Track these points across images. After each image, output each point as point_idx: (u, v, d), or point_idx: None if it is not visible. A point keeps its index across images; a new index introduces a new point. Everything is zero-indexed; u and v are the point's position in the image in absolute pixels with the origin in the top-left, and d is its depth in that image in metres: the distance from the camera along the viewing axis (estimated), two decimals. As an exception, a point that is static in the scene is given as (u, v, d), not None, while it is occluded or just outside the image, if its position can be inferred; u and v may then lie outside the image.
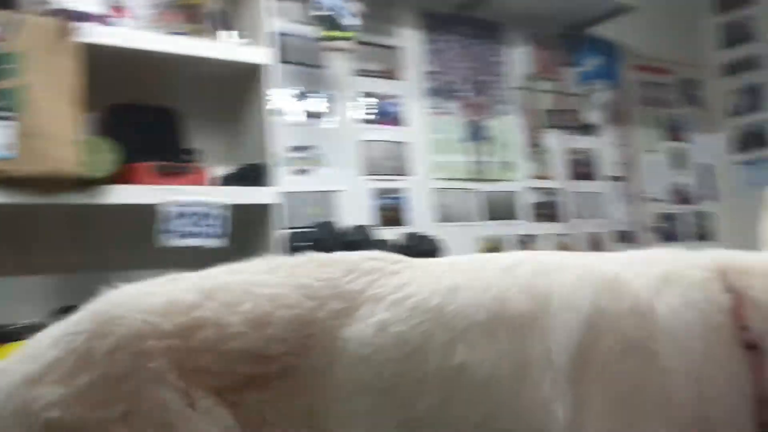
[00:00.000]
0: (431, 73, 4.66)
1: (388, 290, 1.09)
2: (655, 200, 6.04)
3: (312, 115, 4.01)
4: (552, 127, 5.31)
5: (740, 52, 6.39)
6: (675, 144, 6.32)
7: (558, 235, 5.09)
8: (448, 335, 1.03)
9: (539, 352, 1.02)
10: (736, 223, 5.94)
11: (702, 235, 6.17)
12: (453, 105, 4.77)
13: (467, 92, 4.84)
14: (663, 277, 1.10)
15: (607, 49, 5.63)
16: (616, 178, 5.77)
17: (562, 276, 1.09)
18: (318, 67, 4.03)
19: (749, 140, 6.39)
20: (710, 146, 6.49)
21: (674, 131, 6.31)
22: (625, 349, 1.03)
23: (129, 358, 0.98)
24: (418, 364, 1.03)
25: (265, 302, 1.06)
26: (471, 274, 1.11)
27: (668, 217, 6.10)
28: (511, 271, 1.11)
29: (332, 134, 4.08)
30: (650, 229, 5.96)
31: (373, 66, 4.38)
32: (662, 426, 1.01)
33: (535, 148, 5.17)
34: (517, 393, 1.01)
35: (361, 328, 1.05)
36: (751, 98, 6.36)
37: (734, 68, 6.45)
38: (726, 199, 6.40)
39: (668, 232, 5.99)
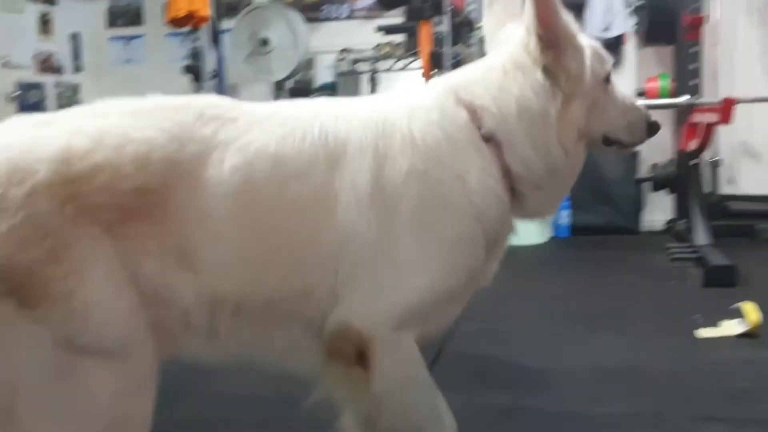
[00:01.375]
0: None
1: (232, 137, 1.28)
2: (17, 67, 5.46)
3: None
4: None
5: None
6: (42, 7, 5.75)
7: None
8: (283, 175, 1.27)
9: (346, 184, 1.28)
10: (104, 97, 5.81)
11: (66, 106, 5.88)
12: None
13: None
14: (410, 109, 1.37)
15: None
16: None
17: (353, 122, 1.34)
18: None
19: (122, 15, 6.28)
20: (82, 15, 6.14)
21: (41, -8, 5.74)
22: (405, 175, 1.29)
23: (47, 202, 1.12)
24: (262, 197, 1.27)
25: (142, 144, 1.21)
26: (291, 123, 1.32)
27: (31, 86, 5.60)
28: (316, 121, 1.33)
29: None
30: (11, 99, 5.40)
31: None
32: (454, 214, 1.32)
33: None
34: (332, 214, 1.28)
35: (219, 170, 1.25)
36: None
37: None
38: (94, 72, 6.20)
39: (30, 103, 5.52)
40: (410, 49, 5.05)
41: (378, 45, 5.45)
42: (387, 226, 1.28)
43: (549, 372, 2.49)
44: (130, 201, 1.19)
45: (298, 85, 5.67)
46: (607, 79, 1.44)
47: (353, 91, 5.75)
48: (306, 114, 1.36)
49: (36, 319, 1.12)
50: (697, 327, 2.83)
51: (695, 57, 4.81)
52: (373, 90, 5.73)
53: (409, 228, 1.29)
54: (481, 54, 5.29)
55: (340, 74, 5.65)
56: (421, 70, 4.59)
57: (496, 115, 1.36)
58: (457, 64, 4.30)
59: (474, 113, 1.36)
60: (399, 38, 5.32)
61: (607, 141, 1.48)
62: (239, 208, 1.26)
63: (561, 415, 2.12)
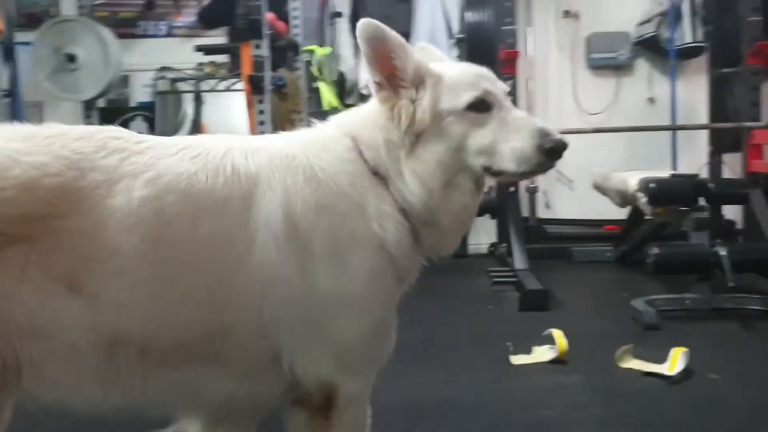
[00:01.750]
0: None
1: (140, 168, 1.25)
2: None
3: None
4: None
5: None
6: None
7: None
8: (196, 211, 1.26)
9: (260, 222, 1.28)
10: None
11: None
12: None
13: None
14: (305, 143, 1.40)
15: None
16: None
17: (260, 159, 1.34)
18: None
19: None
20: None
21: None
22: (315, 210, 1.31)
23: None
24: (173, 232, 1.24)
25: (31, 169, 1.16)
26: (202, 159, 1.31)
27: None
28: (227, 158, 1.32)
29: None
30: None
31: None
32: (363, 247, 1.34)
33: None
34: (250, 252, 1.27)
35: (125, 201, 1.21)
36: None
37: None
38: None
39: None
40: (233, 71, 4.87)
41: (200, 64, 5.20)
42: (305, 265, 1.30)
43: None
44: (10, 228, 1.15)
45: (112, 105, 5.31)
46: (475, 107, 1.37)
47: (174, 111, 5.46)
48: (215, 151, 1.33)
49: None
50: (511, 354, 2.87)
51: (511, 90, 5.01)
52: (197, 111, 5.48)
53: (325, 265, 1.31)
54: (308, 79, 5.17)
55: (159, 93, 5.35)
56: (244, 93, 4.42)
57: (372, 149, 1.39)
58: (278, 88, 4.18)
59: (357, 146, 1.39)
60: (222, 58, 5.13)
61: (492, 172, 1.38)
62: (147, 243, 1.22)
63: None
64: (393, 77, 1.37)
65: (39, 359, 1.19)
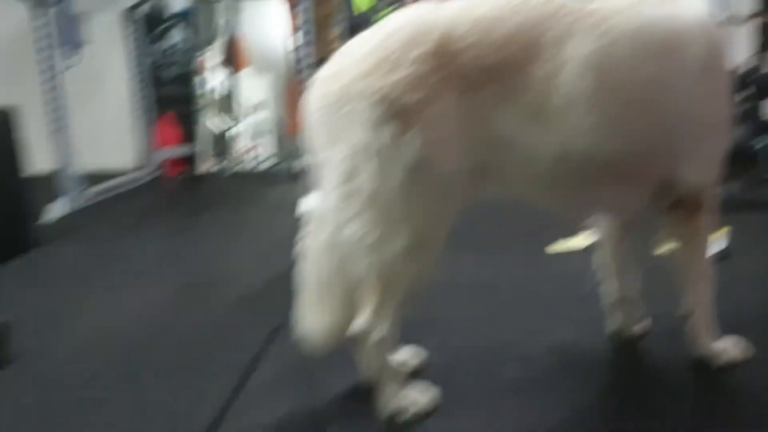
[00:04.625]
0: None
1: (589, 28, 1.56)
2: None
3: None
4: None
5: None
6: None
7: None
8: (632, 61, 1.58)
9: (680, 74, 1.64)
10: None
11: None
12: None
13: None
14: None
15: None
16: None
17: (680, 22, 1.64)
18: None
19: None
20: None
21: None
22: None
23: (428, 65, 1.51)
24: (612, 77, 1.56)
25: (511, 29, 1.55)
26: (634, 19, 1.59)
27: None
28: (645, 30, 1.61)
29: None
30: None
31: None
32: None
33: None
34: (674, 92, 1.64)
35: (577, 53, 1.55)
36: None
37: None
38: None
39: None
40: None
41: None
42: (694, 96, 1.64)
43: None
44: (491, 71, 1.53)
45: (148, 16, 5.31)
46: None
47: (208, 20, 5.46)
48: (646, 13, 1.62)
49: (405, 141, 1.50)
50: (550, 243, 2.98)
51: None
52: (232, 20, 5.44)
53: (710, 101, 1.69)
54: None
55: (198, 1, 5.34)
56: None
57: None
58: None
59: None
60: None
61: None
62: (592, 85, 1.54)
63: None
64: None
65: (500, 165, 1.60)
